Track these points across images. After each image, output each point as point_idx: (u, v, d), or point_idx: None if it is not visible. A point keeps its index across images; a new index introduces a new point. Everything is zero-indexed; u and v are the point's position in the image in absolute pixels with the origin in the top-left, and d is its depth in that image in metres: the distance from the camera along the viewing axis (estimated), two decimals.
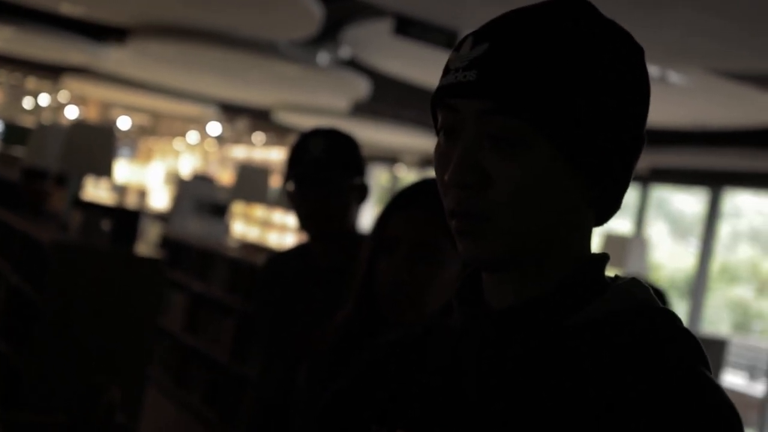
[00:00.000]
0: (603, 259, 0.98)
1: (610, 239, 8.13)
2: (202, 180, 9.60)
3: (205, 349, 6.58)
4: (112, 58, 11.29)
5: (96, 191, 16.98)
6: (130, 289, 4.32)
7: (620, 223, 12.43)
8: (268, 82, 10.82)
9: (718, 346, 7.41)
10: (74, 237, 4.41)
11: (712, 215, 10.08)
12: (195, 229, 8.35)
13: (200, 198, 8.59)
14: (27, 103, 19.41)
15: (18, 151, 9.25)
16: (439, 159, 0.96)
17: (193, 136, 21.24)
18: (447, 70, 0.95)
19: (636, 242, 7.96)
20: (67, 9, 9.34)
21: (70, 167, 5.08)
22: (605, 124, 0.92)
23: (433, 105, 0.97)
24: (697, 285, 10.09)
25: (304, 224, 2.39)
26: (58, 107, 19.46)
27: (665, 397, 0.85)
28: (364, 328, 1.64)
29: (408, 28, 6.03)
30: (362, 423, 1.04)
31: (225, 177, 19.56)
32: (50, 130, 6.19)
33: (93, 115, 19.24)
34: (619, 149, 0.94)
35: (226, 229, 9.23)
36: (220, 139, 20.92)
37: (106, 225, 4.48)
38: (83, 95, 17.12)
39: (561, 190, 0.92)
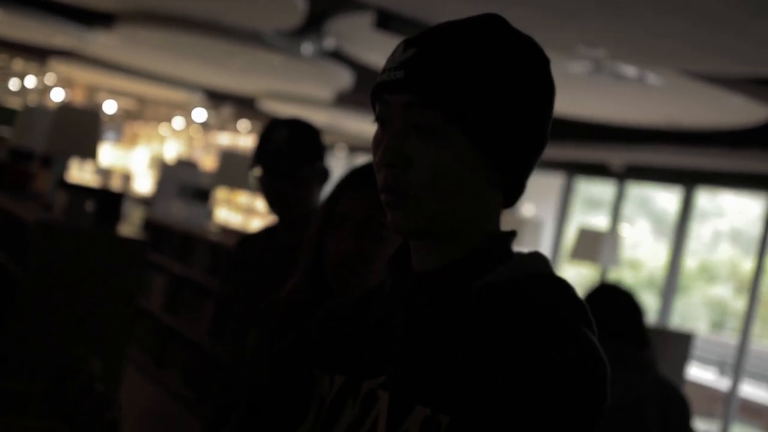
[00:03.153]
0: (510, 234, 1.17)
1: (584, 234, 8.32)
2: (185, 165, 9.73)
3: (185, 330, 6.72)
4: (99, 42, 11.38)
5: (81, 174, 17.06)
6: (111, 268, 4.44)
7: (598, 219, 12.63)
8: (253, 70, 10.95)
9: (685, 340, 7.59)
10: (58, 217, 4.52)
11: (686, 213, 10.29)
12: (178, 213, 8.49)
13: (183, 182, 8.73)
14: (13, 84, 19.45)
15: (4, 131, 9.35)
16: (374, 143, 1.15)
17: (178, 121, 21.32)
18: (383, 70, 1.14)
19: (609, 237, 8.15)
20: None
21: (55, 149, 5.20)
22: (510, 119, 1.10)
23: (371, 99, 1.16)
24: (669, 282, 10.30)
25: (270, 207, 2.59)
26: (44, 89, 19.49)
27: (546, 347, 1.03)
28: (312, 298, 1.81)
29: (389, 22, 6.21)
30: (307, 369, 1.22)
31: (209, 163, 19.67)
32: (37, 112, 6.29)
33: (79, 98, 19.29)
34: (521, 142, 1.13)
35: (208, 213, 9.37)
36: (205, 126, 21.01)
37: (89, 206, 4.60)
38: (70, 78, 17.18)
39: (471, 173, 1.11)
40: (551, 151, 11.35)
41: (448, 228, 1.13)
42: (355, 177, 1.79)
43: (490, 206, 1.15)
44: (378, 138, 1.14)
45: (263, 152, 2.57)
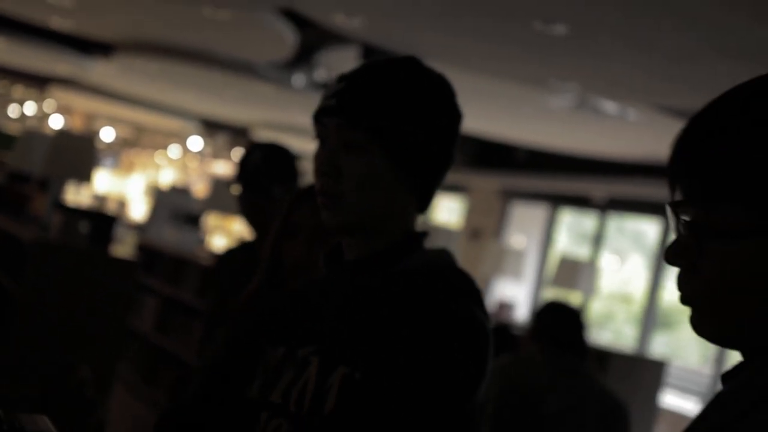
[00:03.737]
0: (423, 233, 1.47)
1: (565, 262, 8.59)
2: (178, 191, 9.99)
3: (175, 350, 6.93)
4: (98, 71, 11.69)
5: (77, 200, 17.29)
6: (104, 286, 4.65)
7: (581, 250, 12.89)
8: (246, 100, 11.26)
9: (658, 367, 7.81)
10: (54, 237, 4.74)
11: (663, 244, 10.55)
12: (170, 237, 8.73)
13: (176, 208, 8.97)
14: (13, 110, 19.74)
15: (3, 156, 9.61)
16: (314, 158, 1.45)
17: (174, 150, 21.60)
18: (321, 99, 1.44)
19: (588, 266, 8.42)
20: (56, 23, 9.74)
21: (52, 172, 5.42)
22: (419, 139, 1.41)
23: (313, 121, 1.46)
24: (649, 313, 10.53)
25: (247, 222, 2.86)
26: (43, 116, 19.77)
27: (440, 320, 1.33)
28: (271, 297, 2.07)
29: (372, 56, 6.53)
30: (259, 345, 1.49)
31: (203, 190, 19.91)
32: (35, 137, 6.50)
33: (78, 125, 19.57)
34: (429, 158, 1.43)
35: (200, 238, 9.61)
36: (201, 154, 21.28)
37: (84, 227, 4.81)
38: (69, 105, 17.48)
39: (388, 182, 1.41)
40: (536, 183, 11.63)
41: (370, 225, 1.42)
42: (306, 191, 2.07)
43: (405, 209, 1.45)
44: (317, 153, 1.45)
45: (241, 171, 2.85)
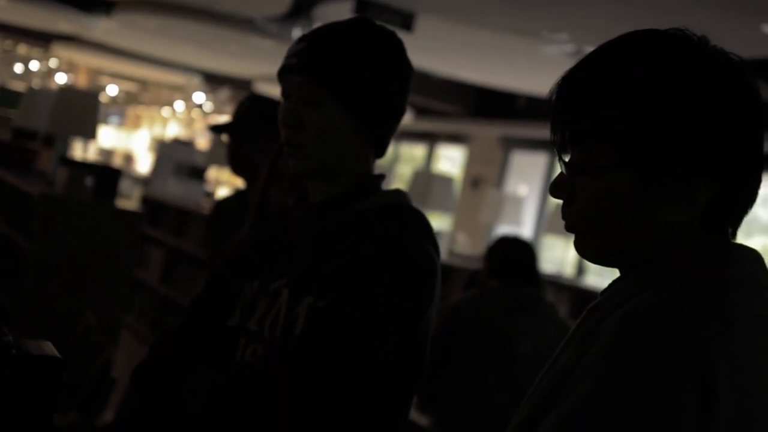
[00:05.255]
0: (380, 176, 1.65)
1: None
2: (182, 144, 10.15)
3: (181, 300, 7.13)
4: (100, 27, 11.78)
5: (84, 155, 17.45)
6: (109, 238, 4.81)
7: None
8: (248, 54, 11.37)
9: None
10: (59, 191, 4.88)
11: None
12: (174, 190, 8.89)
13: (180, 161, 9.12)
14: (18, 68, 19.85)
15: (9, 113, 9.75)
16: (279, 111, 1.62)
17: (179, 105, 21.73)
18: (284, 58, 1.61)
19: None
20: None
21: (57, 128, 5.53)
22: (371, 92, 1.58)
23: (278, 78, 1.63)
24: None
25: (235, 171, 3.01)
26: (48, 73, 19.90)
27: (393, 251, 1.52)
28: None
29: (366, 9, 6.65)
30: (238, 280, 1.67)
31: (207, 144, 20.04)
32: (40, 94, 6.62)
33: (82, 81, 19.68)
34: (380, 108, 1.60)
35: (205, 191, 9.77)
36: (204, 109, 21.40)
37: (89, 181, 4.95)
38: (72, 62, 17.57)
39: (345, 131, 1.59)
40: (536, 131, 11.73)
41: (330, 170, 1.61)
42: None
43: (361, 155, 1.64)
44: (282, 107, 1.62)
45: (230, 120, 3.00)
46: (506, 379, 3.34)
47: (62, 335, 4.28)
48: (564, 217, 1.13)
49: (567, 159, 1.12)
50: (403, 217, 1.58)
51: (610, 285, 1.13)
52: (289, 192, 2.18)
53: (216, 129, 3.09)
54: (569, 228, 1.13)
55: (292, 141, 1.58)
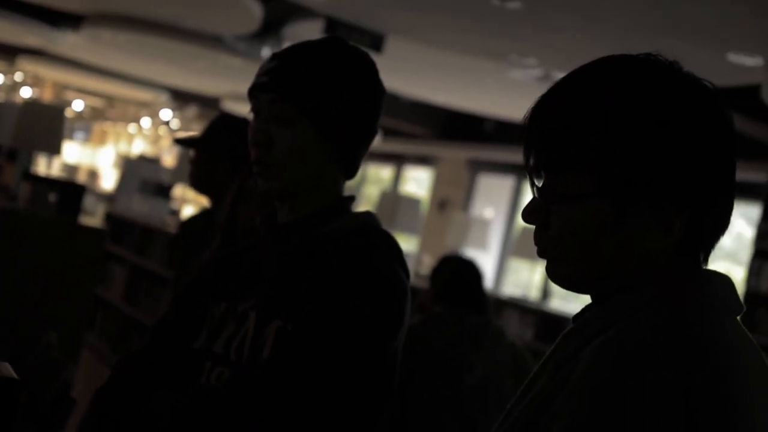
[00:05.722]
0: (349, 198, 1.62)
1: (527, 230, 8.77)
2: (147, 161, 10.05)
3: (144, 319, 7.04)
4: (67, 42, 11.70)
5: (48, 170, 17.28)
6: (72, 256, 4.74)
7: None
8: (216, 72, 11.33)
9: None
10: (22, 206, 4.83)
11: None
12: (139, 207, 8.81)
13: (145, 178, 9.03)
14: None
15: None
16: (249, 130, 1.60)
17: (146, 121, 21.59)
18: (256, 76, 1.59)
19: None
20: None
21: (21, 143, 5.44)
22: (342, 112, 1.55)
23: (248, 96, 1.60)
24: None
25: (196, 189, 2.97)
26: (13, 87, 19.71)
27: (361, 274, 1.48)
28: None
29: (336, 29, 6.65)
30: (204, 302, 1.64)
31: (173, 161, 19.92)
32: (4, 108, 6.49)
33: (48, 96, 19.52)
34: (352, 129, 1.58)
35: (171, 209, 9.68)
36: (170, 126, 21.29)
37: (52, 197, 4.89)
38: (38, 76, 17.43)
39: (315, 151, 1.56)
40: (503, 154, 11.79)
41: (300, 190, 1.58)
42: None
43: (332, 176, 1.61)
44: (252, 125, 1.60)
45: (198, 136, 2.97)
46: (455, 407, 3.25)
47: (22, 354, 4.20)
48: (537, 243, 1.12)
49: (540, 184, 1.10)
50: (372, 239, 1.55)
51: (584, 310, 1.12)
52: (257, 212, 2.15)
53: (183, 142, 3.04)
54: (542, 254, 1.11)
55: (262, 160, 1.55)
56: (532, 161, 1.10)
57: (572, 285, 1.11)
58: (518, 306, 7.48)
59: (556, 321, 7.17)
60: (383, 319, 1.47)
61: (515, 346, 3.40)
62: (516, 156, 11.99)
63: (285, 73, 1.54)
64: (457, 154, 12.95)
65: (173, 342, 1.63)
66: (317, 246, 1.55)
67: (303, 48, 1.58)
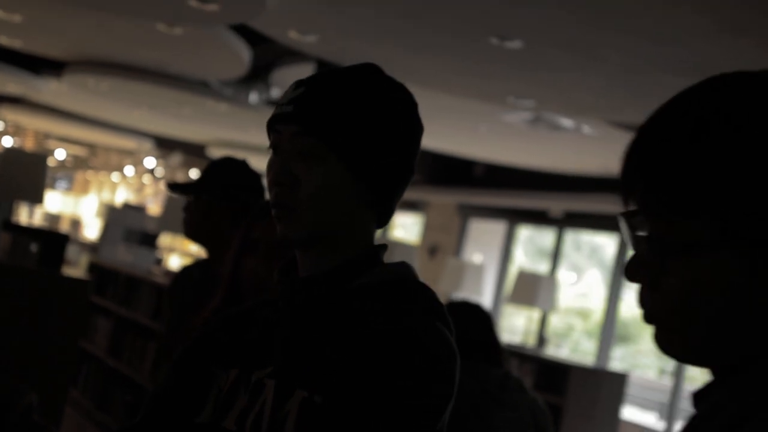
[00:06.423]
0: (381, 247, 1.39)
1: (523, 277, 8.57)
2: (132, 209, 9.84)
3: (129, 373, 6.81)
4: (49, 89, 11.53)
5: (30, 220, 17.02)
6: (55, 308, 4.54)
7: (539, 265, 12.92)
8: (201, 118, 11.15)
9: (619, 380, 7.82)
10: (3, 257, 4.64)
11: (623, 258, 10.59)
12: (123, 256, 8.59)
13: (130, 227, 8.82)
14: None
15: None
16: (268, 167, 1.36)
17: (129, 169, 21.39)
18: (276, 105, 1.36)
19: (547, 281, 8.41)
20: (4, 41, 9.59)
21: (2, 192, 5.29)
22: (378, 149, 1.33)
23: (267, 129, 1.37)
24: (607, 327, 10.55)
25: (191, 238, 2.75)
26: None
27: (404, 339, 1.25)
28: None
29: None
30: (206, 366, 1.41)
31: (158, 210, 19.71)
32: None
33: (29, 144, 19.31)
34: (388, 169, 1.35)
35: (156, 258, 9.46)
36: (155, 174, 21.09)
37: (34, 247, 4.72)
38: (20, 125, 17.24)
39: (346, 193, 1.33)
40: (493, 199, 11.64)
41: (327, 238, 1.34)
42: (266, 206, 1.99)
43: (363, 222, 1.37)
44: (271, 162, 1.36)
45: (196, 180, 2.75)
46: None
47: (1, 412, 3.97)
48: (643, 305, 0.90)
49: (648, 234, 0.89)
50: (410, 295, 1.31)
51: (705, 391, 0.90)
52: (272, 263, 1.94)
53: (177, 188, 2.80)
54: (650, 319, 0.90)
55: (283, 202, 1.32)
56: (633, 206, 0.90)
57: (692, 357, 0.89)
58: (517, 354, 7.26)
59: (553, 369, 6.96)
60: (432, 392, 1.23)
61: (536, 401, 3.15)
62: (507, 200, 11.86)
63: (312, 103, 1.31)
64: (447, 199, 12.80)
65: (173, 415, 1.40)
66: (347, 303, 1.32)
67: (333, 75, 1.35)
